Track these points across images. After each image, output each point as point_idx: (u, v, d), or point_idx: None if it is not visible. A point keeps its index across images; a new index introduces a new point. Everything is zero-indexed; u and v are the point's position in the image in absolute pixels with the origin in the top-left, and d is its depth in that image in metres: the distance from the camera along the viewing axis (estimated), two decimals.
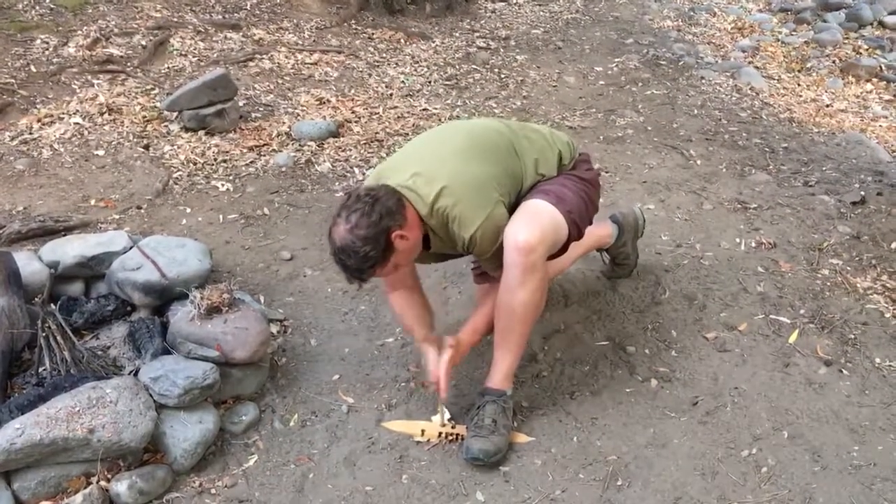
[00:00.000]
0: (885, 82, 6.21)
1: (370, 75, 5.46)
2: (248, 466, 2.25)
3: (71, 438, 2.00)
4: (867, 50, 6.87)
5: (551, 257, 2.29)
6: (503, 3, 7.53)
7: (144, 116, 4.43)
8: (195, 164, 4.00)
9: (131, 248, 2.80)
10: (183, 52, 5.40)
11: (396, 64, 5.74)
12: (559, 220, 2.22)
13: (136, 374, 2.29)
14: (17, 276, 2.47)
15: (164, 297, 2.64)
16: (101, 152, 4.05)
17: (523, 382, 2.55)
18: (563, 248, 2.33)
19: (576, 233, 2.31)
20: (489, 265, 2.32)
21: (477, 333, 2.41)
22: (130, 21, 5.68)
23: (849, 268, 3.16)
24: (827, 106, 5.59)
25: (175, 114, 4.39)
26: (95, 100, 4.52)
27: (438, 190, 2.12)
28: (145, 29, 5.57)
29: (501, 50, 6.21)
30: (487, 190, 2.18)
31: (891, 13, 7.55)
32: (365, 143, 4.33)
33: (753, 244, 3.33)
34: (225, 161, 4.06)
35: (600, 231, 2.84)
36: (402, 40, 6.26)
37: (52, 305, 2.43)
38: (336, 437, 2.36)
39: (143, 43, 5.38)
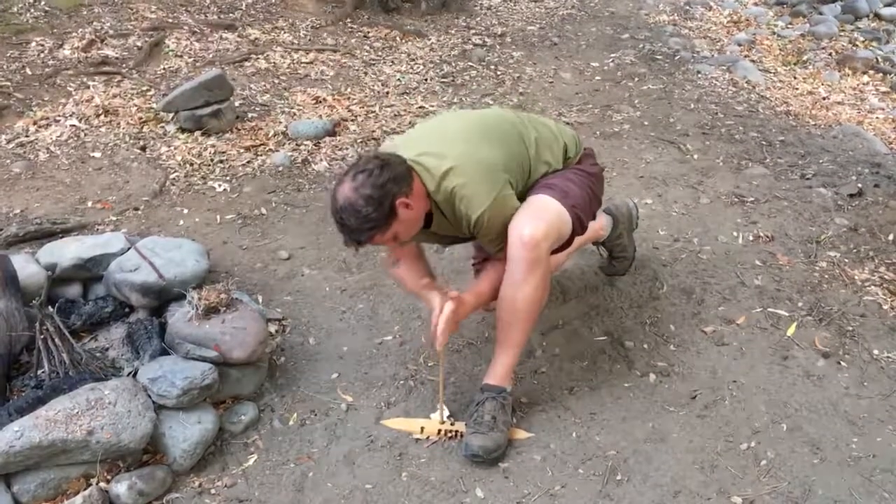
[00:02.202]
0: (881, 74, 6.21)
1: (366, 74, 5.46)
2: (247, 466, 2.25)
3: (70, 440, 2.01)
4: (863, 42, 6.87)
5: (554, 252, 2.30)
6: (498, 0, 7.53)
7: (141, 118, 4.42)
8: (192, 164, 4.00)
9: (129, 249, 2.80)
10: (178, 53, 5.39)
11: (392, 62, 5.74)
12: (564, 215, 2.23)
13: (134, 376, 2.29)
14: (14, 279, 2.47)
15: (162, 297, 2.64)
16: (97, 154, 4.05)
17: (522, 378, 2.55)
18: (568, 243, 2.34)
19: (579, 227, 2.32)
20: (491, 246, 2.31)
21: (480, 298, 2.36)
22: (125, 22, 5.68)
23: (846, 260, 3.17)
24: (823, 98, 5.58)
25: (171, 115, 4.38)
26: (91, 102, 4.51)
27: (447, 168, 2.12)
28: (140, 30, 5.57)
29: (497, 46, 6.20)
30: (496, 172, 2.18)
31: (886, 5, 7.56)
32: (361, 142, 4.33)
33: (751, 237, 3.34)
34: (222, 161, 4.06)
35: (595, 224, 2.84)
36: (397, 38, 6.26)
37: (50, 308, 2.42)
38: (335, 435, 2.36)
39: (139, 44, 5.38)
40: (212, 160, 4.06)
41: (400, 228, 2.10)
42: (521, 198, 2.27)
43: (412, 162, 2.14)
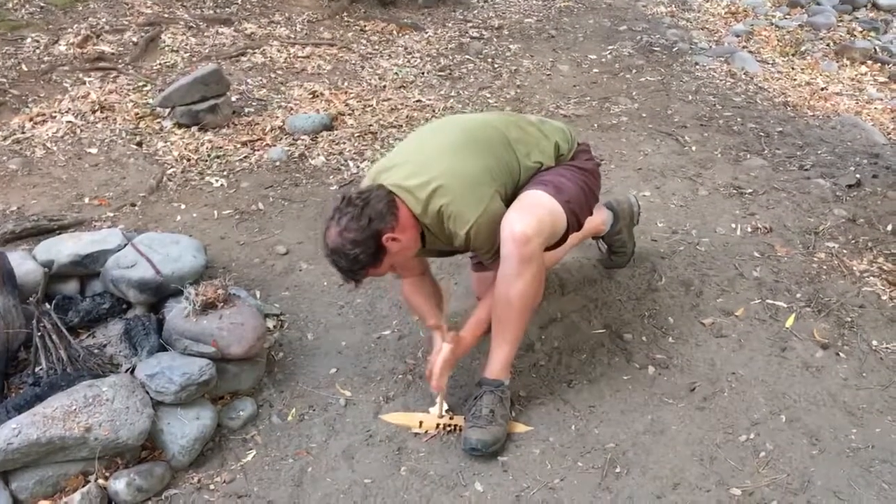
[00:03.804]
0: (879, 64, 6.19)
1: (363, 68, 5.44)
2: (246, 461, 2.25)
3: (68, 437, 2.00)
4: (861, 32, 6.85)
5: (551, 247, 2.29)
6: None
7: (137, 113, 4.41)
8: (189, 160, 3.99)
9: (126, 245, 2.79)
10: (174, 48, 5.37)
11: (389, 56, 5.72)
12: (557, 211, 2.21)
13: (132, 372, 2.29)
14: (11, 276, 2.47)
15: (160, 294, 2.64)
16: (94, 150, 4.03)
17: (521, 372, 2.55)
18: (563, 239, 2.32)
19: (575, 223, 2.30)
20: (487, 258, 2.31)
21: (480, 328, 2.39)
22: (121, 18, 5.66)
23: (845, 251, 3.16)
24: (822, 89, 5.57)
25: (168, 110, 4.37)
26: (87, 98, 4.50)
27: (433, 189, 2.13)
28: (136, 25, 5.55)
29: (494, 39, 6.18)
30: (482, 185, 2.17)
31: None
32: (359, 136, 4.32)
33: (749, 229, 3.33)
34: (219, 157, 4.05)
35: (595, 219, 2.82)
36: (394, 32, 6.24)
37: (48, 305, 2.43)
38: (334, 430, 2.36)
39: (135, 39, 5.36)
40: (209, 155, 4.05)
41: (394, 259, 2.16)
42: (513, 201, 2.26)
43: (396, 188, 2.15)
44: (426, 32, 6.25)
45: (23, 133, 4.15)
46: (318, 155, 4.10)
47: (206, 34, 5.67)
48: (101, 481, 2.07)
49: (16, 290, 2.45)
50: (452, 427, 2.32)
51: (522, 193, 2.25)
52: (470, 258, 2.71)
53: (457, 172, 2.16)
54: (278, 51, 5.56)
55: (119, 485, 2.05)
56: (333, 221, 2.10)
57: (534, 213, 2.15)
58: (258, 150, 4.14)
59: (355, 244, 2.06)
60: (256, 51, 5.50)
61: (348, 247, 2.06)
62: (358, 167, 3.97)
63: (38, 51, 5.04)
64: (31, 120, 4.26)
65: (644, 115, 4.72)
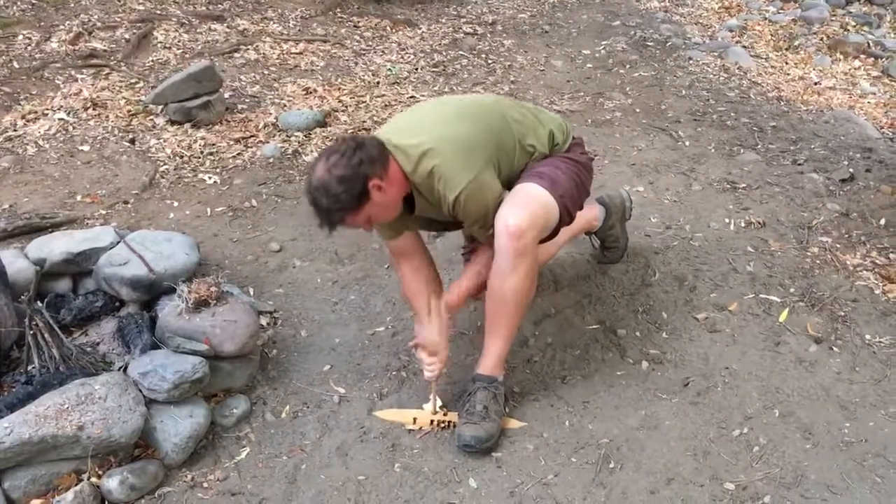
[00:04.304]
0: (872, 58, 6.21)
1: (356, 64, 5.43)
2: (239, 459, 2.24)
3: (60, 436, 2.00)
4: (854, 26, 6.87)
5: (541, 241, 2.29)
6: None
7: (129, 110, 4.39)
8: (182, 157, 3.97)
9: (118, 243, 2.78)
10: (167, 45, 5.35)
11: (383, 52, 5.71)
12: (551, 205, 2.21)
13: (125, 370, 2.28)
14: (3, 275, 2.45)
15: (152, 291, 2.63)
16: (86, 148, 4.02)
17: (514, 368, 2.54)
18: (554, 233, 2.32)
19: (567, 217, 2.30)
20: (474, 229, 2.30)
21: (463, 293, 2.38)
22: (113, 14, 5.63)
23: (838, 245, 3.17)
24: (815, 84, 5.58)
25: (160, 107, 4.35)
26: (79, 95, 4.48)
27: (425, 150, 2.11)
28: (128, 22, 5.52)
29: (488, 35, 6.17)
30: (475, 152, 2.16)
31: None
32: (352, 132, 4.31)
33: (743, 224, 3.33)
34: (212, 154, 4.03)
35: (587, 214, 2.83)
36: (387, 28, 6.23)
37: (40, 303, 2.41)
38: (328, 427, 2.35)
39: (127, 36, 5.33)
40: (202, 152, 4.03)
41: (373, 211, 2.10)
42: (509, 184, 2.26)
43: (390, 146, 2.14)
44: (420, 28, 6.24)
45: (14, 131, 4.12)
46: (312, 151, 4.09)
47: (198, 31, 5.65)
48: (94, 480, 2.06)
49: (7, 289, 2.43)
50: (446, 423, 2.32)
51: (517, 186, 2.25)
52: (462, 254, 2.70)
53: (450, 137, 2.15)
54: (271, 47, 5.55)
55: (112, 483, 2.04)
56: (322, 159, 2.06)
57: (527, 206, 2.15)
58: (251, 147, 4.13)
59: (341, 181, 2.01)
60: (249, 47, 5.49)
61: (334, 183, 2.01)
62: None
63: (29, 48, 5.02)
64: (22, 117, 4.24)
65: (637, 110, 4.72)
